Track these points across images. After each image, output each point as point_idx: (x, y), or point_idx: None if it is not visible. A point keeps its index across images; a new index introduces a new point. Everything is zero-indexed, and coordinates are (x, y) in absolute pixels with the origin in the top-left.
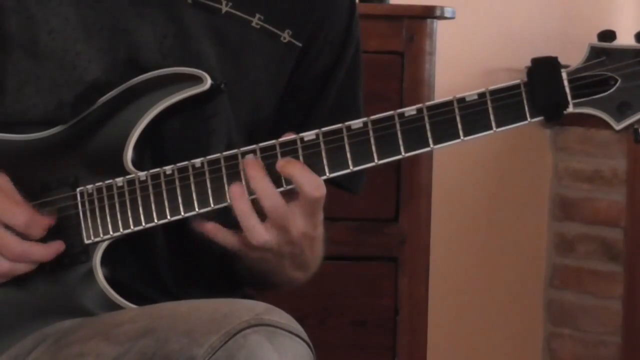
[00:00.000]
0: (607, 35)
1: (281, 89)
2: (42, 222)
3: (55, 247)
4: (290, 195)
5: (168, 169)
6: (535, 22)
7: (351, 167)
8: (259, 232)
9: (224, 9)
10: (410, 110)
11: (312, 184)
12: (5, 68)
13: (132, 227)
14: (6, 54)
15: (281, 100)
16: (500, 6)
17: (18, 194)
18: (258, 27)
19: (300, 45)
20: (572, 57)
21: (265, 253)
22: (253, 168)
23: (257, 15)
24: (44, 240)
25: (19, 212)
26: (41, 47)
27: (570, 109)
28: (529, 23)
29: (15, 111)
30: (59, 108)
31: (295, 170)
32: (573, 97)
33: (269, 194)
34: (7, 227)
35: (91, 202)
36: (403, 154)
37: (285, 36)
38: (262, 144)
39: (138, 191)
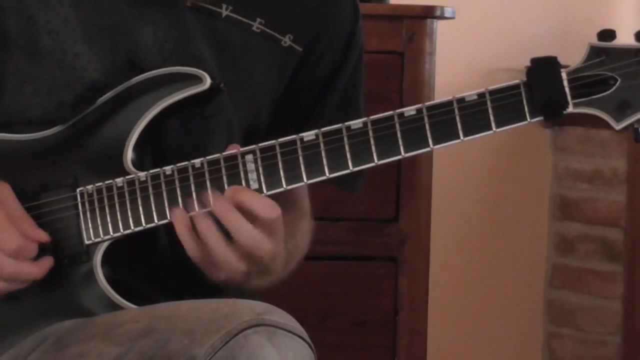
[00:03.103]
0: (607, 34)
1: (280, 92)
2: (33, 245)
3: (47, 265)
4: (251, 219)
5: (168, 169)
6: (535, 22)
7: (351, 168)
8: (234, 265)
9: (224, 13)
10: (409, 111)
11: (266, 207)
12: (5, 68)
13: (132, 227)
14: (6, 54)
15: (280, 103)
16: (500, 6)
17: (19, 207)
18: (259, 31)
19: (300, 49)
20: (572, 56)
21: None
22: (222, 206)
23: (258, 20)
24: (42, 244)
25: (11, 239)
26: (41, 47)
27: (570, 109)
28: (529, 23)
29: (15, 111)
30: (58, 108)
31: (245, 196)
32: (573, 97)
33: (243, 230)
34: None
35: (91, 203)
36: (403, 154)
37: (286, 40)
38: (261, 144)
39: (138, 191)
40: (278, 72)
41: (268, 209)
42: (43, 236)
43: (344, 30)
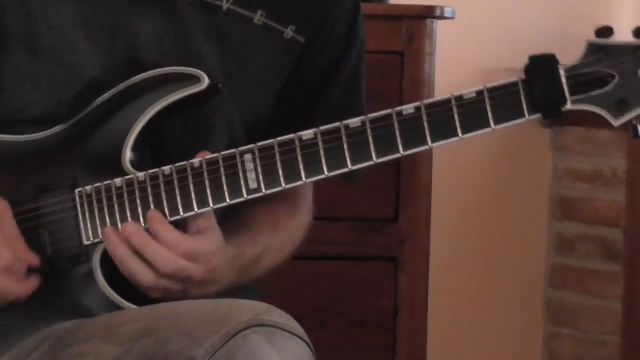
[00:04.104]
0: (605, 31)
1: (283, 84)
2: (24, 266)
3: (32, 286)
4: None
5: (167, 169)
6: (535, 21)
7: (350, 166)
8: (155, 286)
9: (225, 6)
10: (408, 109)
11: (173, 244)
12: (4, 65)
13: None
14: (5, 51)
15: (283, 95)
16: (500, 6)
17: (14, 227)
18: (260, 23)
19: (303, 40)
20: (572, 56)
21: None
22: (136, 236)
23: (260, 12)
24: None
25: (2, 257)
26: (40, 44)
27: (569, 106)
28: (529, 23)
29: (14, 109)
30: (58, 107)
31: (158, 228)
32: (571, 94)
33: (158, 258)
34: None
35: (90, 203)
36: (402, 152)
37: (289, 32)
38: (260, 144)
39: (137, 192)
40: (280, 64)
41: (174, 246)
42: (34, 260)
43: (345, 19)
